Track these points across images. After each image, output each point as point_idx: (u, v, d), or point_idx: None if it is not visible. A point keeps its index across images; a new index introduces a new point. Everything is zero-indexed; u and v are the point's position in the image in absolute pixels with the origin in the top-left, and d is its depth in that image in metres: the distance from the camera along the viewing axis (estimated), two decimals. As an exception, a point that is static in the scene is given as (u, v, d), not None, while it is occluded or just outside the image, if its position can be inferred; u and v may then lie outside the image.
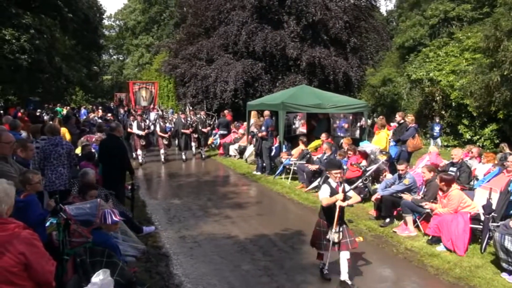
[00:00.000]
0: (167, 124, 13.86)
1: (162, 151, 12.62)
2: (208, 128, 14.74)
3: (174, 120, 15.63)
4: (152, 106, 19.75)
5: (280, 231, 6.21)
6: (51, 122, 8.40)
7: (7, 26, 19.51)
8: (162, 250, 5.39)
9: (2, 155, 4.19)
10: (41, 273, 2.59)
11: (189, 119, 13.37)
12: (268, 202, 8.42)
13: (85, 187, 4.89)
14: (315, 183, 8.57)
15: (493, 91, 12.76)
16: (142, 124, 12.45)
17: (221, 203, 7.92)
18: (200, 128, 13.56)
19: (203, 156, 13.41)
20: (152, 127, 13.55)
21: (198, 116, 14.14)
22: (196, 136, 13.34)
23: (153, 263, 4.94)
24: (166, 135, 12.74)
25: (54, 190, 5.51)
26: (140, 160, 12.25)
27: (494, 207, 5.38)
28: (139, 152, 12.29)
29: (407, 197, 6.16)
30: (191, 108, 17.11)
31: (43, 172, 5.70)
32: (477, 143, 14.65)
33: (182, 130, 12.91)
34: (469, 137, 15.59)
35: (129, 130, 12.62)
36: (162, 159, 12.58)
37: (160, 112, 18.16)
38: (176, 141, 13.71)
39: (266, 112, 10.85)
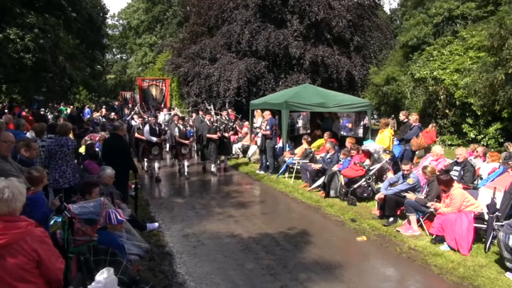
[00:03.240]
0: (188, 128, 10.71)
1: (186, 162, 10.17)
2: (232, 132, 12.00)
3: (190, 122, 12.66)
4: (163, 105, 18.29)
5: (284, 230, 6.22)
6: (63, 121, 8.41)
7: (12, 25, 19.66)
8: (165, 249, 5.41)
9: (1, 154, 4.19)
10: (52, 270, 2.65)
11: (215, 120, 10.84)
12: (271, 201, 8.44)
13: (86, 185, 4.78)
14: (318, 182, 8.59)
15: (498, 90, 12.69)
16: (157, 128, 9.95)
17: (225, 202, 7.94)
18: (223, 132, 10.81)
19: (227, 167, 11.40)
20: (168, 133, 10.96)
21: (219, 117, 11.59)
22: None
23: (157, 261, 4.95)
24: (187, 142, 10.18)
25: (58, 188, 5.56)
26: (157, 173, 9.98)
27: (498, 206, 5.36)
28: (156, 165, 10.00)
29: (410, 196, 6.15)
30: (211, 107, 14.48)
31: (48, 170, 5.75)
32: (481, 142, 14.57)
33: (208, 135, 10.24)
34: (473, 136, 15.51)
35: (137, 135, 10.03)
36: (186, 172, 10.17)
37: (176, 112, 14.75)
38: (195, 148, 11.65)
39: (267, 112, 10.85)
